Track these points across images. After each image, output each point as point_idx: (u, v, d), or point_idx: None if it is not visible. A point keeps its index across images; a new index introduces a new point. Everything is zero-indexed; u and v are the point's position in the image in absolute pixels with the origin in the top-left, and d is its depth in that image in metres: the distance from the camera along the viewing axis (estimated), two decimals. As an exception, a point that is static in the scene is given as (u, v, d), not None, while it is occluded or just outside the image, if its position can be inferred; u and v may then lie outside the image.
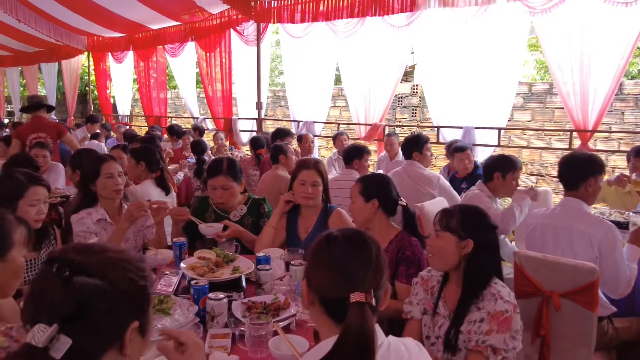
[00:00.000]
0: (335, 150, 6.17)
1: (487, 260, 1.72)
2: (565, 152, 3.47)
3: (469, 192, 3.37)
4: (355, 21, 5.86)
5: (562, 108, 5.34)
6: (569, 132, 5.05)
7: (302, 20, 6.32)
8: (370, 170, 4.99)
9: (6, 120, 12.76)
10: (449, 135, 5.58)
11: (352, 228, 1.30)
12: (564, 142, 5.78)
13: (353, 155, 4.22)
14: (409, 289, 1.96)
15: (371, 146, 5.76)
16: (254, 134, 7.39)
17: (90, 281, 0.87)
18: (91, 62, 10.59)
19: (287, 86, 7.45)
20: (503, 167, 3.19)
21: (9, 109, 14.93)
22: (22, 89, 13.82)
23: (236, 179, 2.74)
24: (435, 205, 3.33)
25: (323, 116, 6.96)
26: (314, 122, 6.88)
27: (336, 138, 6.03)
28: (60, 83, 11.81)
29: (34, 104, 5.32)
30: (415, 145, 4.13)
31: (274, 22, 6.82)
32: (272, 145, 4.83)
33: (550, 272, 2.19)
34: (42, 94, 13.05)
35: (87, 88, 12.10)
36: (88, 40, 9.88)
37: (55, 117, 11.84)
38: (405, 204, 2.35)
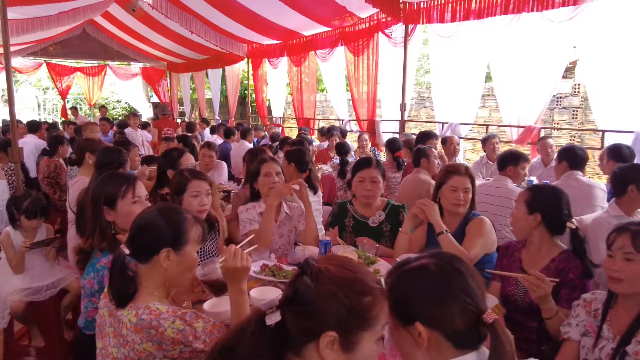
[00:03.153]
0: (483, 153, 5.89)
1: None
2: None
3: (596, 217, 2.86)
4: (509, 17, 5.52)
5: None
6: None
7: (453, 20, 6.15)
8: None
9: (179, 120, 14.50)
10: (614, 141, 4.96)
11: (423, 254, 1.24)
12: None
13: (508, 161, 3.93)
14: (568, 314, 1.84)
15: (524, 149, 5.38)
16: (396, 135, 7.39)
17: (306, 281, 1.06)
18: (250, 68, 11.50)
19: (433, 86, 7.31)
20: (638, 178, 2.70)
21: (180, 110, 16.94)
22: (191, 92, 15.56)
23: (383, 176, 2.82)
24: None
25: (470, 117, 6.70)
26: (460, 123, 6.66)
27: (486, 141, 5.73)
28: (224, 87, 13.05)
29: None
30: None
31: (422, 23, 6.74)
32: (415, 148, 4.79)
33: None
34: (208, 97, 14.59)
35: (246, 92, 13.19)
36: (248, 48, 10.77)
37: (218, 118, 13.16)
38: (575, 226, 2.12)
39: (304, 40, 9.18)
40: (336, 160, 6.19)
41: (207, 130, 10.87)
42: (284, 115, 11.79)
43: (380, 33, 7.45)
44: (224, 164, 5.30)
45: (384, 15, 7.16)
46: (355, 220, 2.88)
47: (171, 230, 1.55)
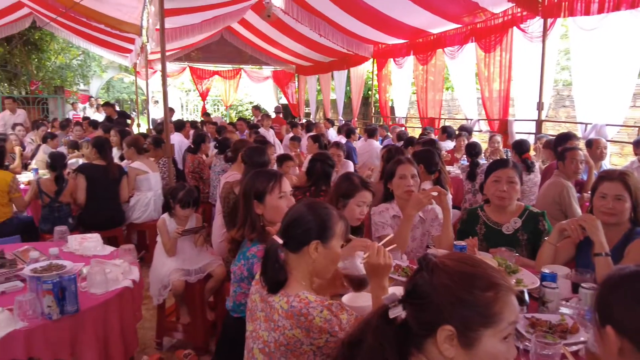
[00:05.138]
0: (633, 158, 5.30)
1: None
2: None
3: None
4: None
5: None
6: None
7: (600, 11, 5.59)
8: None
9: (304, 120, 15.05)
10: None
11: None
12: None
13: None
14: None
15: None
16: (532, 136, 6.93)
17: (423, 275, 1.08)
18: (375, 68, 11.56)
19: (574, 84, 6.72)
20: None
21: (306, 111, 17.59)
22: (317, 94, 16.08)
23: (520, 179, 2.65)
24: None
25: (618, 118, 6.04)
26: (606, 124, 6.05)
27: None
28: (348, 88, 13.28)
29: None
30: None
31: (564, 16, 6.23)
32: (558, 150, 4.45)
33: None
34: (332, 98, 14.95)
35: (369, 92, 13.30)
36: (374, 48, 10.84)
37: (342, 118, 13.44)
38: None
39: (431, 38, 9.00)
40: (464, 161, 6.00)
41: (331, 130, 11.15)
42: (407, 115, 11.67)
43: (514, 28, 7.05)
44: (350, 163, 5.43)
45: (519, 10, 6.77)
46: (487, 228, 2.72)
47: (320, 223, 1.66)
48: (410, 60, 10.10)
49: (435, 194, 2.59)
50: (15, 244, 3.53)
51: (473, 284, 1.04)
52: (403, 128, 9.60)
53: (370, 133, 7.62)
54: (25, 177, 5.57)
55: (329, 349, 1.53)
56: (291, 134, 9.07)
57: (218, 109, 20.62)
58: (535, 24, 6.65)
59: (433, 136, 7.17)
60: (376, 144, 7.35)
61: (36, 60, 15.51)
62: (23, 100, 14.56)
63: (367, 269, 1.66)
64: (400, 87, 10.99)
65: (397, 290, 1.90)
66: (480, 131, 8.42)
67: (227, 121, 14.78)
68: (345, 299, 1.95)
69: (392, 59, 10.70)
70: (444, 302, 1.04)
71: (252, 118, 13.25)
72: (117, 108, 11.02)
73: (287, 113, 18.19)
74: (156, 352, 3.41)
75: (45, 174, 4.94)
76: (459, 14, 7.61)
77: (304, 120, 14.87)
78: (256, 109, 13.84)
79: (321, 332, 1.50)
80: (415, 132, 10.79)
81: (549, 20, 6.45)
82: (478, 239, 2.68)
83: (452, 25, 8.17)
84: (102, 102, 13.85)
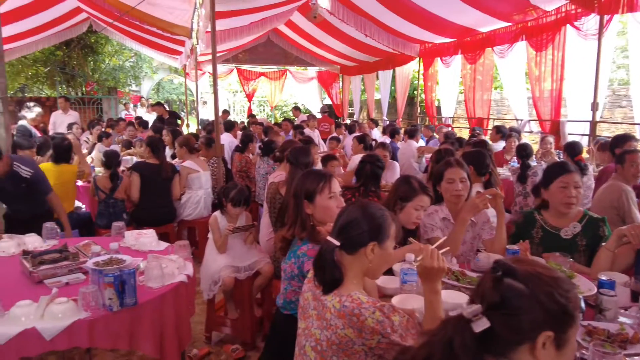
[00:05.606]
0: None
1: None
2: None
3: None
4: None
5: None
6: None
7: (666, 6, 5.34)
8: None
9: (348, 121, 15.05)
10: None
11: None
12: None
13: None
14: None
15: None
16: (585, 138, 6.68)
17: (515, 284, 1.07)
18: (421, 68, 11.43)
19: (633, 83, 6.44)
20: None
21: (350, 111, 17.58)
22: (361, 94, 16.05)
23: (582, 182, 2.59)
24: None
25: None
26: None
27: None
28: (393, 88, 13.19)
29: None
30: None
31: (622, 13, 5.97)
32: (615, 152, 4.28)
33: None
34: (377, 98, 14.88)
35: (415, 92, 13.16)
36: (420, 48, 10.72)
37: (386, 118, 13.35)
38: None
39: (480, 36, 8.82)
40: (514, 163, 5.85)
41: (375, 130, 11.11)
42: (454, 115, 11.48)
43: (567, 26, 6.81)
44: (397, 164, 5.40)
45: (573, 7, 6.54)
46: (544, 232, 2.64)
47: (377, 225, 1.67)
48: (457, 59, 9.94)
49: (489, 196, 2.54)
50: (75, 238, 3.73)
51: (565, 287, 1.08)
52: (450, 128, 9.46)
53: (410, 134, 7.54)
54: (83, 175, 5.86)
55: (381, 349, 1.54)
56: (334, 134, 9.11)
57: (264, 109, 20.93)
58: (590, 21, 6.41)
59: (483, 137, 7.02)
60: (415, 145, 7.25)
61: (92, 62, 16.22)
62: (79, 100, 15.25)
63: (420, 272, 1.66)
64: (447, 86, 10.82)
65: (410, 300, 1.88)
66: (531, 132, 8.18)
67: (272, 122, 14.98)
68: (395, 300, 1.96)
69: (439, 58, 10.55)
70: (546, 309, 1.04)
71: (295, 119, 13.39)
72: (167, 108, 11.35)
73: (331, 113, 18.26)
74: (205, 346, 3.51)
75: (100, 171, 5.18)
76: (509, 12, 7.43)
77: (347, 121, 14.89)
78: (296, 109, 13.97)
79: (373, 333, 1.51)
80: (462, 133, 10.61)
81: (606, 17, 6.20)
82: (534, 243, 2.63)
83: (502, 24, 7.98)
84: (152, 103, 14.31)
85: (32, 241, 3.04)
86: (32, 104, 7.62)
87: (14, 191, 3.68)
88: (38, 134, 7.44)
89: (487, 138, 7.97)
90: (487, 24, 8.19)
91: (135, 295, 2.16)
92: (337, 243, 1.66)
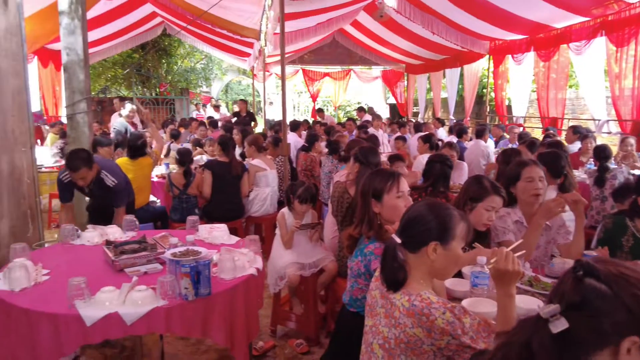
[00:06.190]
0: None
1: None
2: None
3: None
4: None
5: None
6: None
7: None
8: None
9: (413, 120, 14.84)
10: None
11: None
12: None
13: None
14: None
15: None
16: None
17: (597, 285, 1.01)
18: (491, 65, 11.08)
19: None
20: None
21: (414, 110, 17.33)
22: (426, 92, 15.78)
23: None
24: None
25: None
26: None
27: None
28: (460, 86, 12.87)
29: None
30: None
31: None
32: None
33: None
34: (443, 97, 14.58)
35: (484, 90, 12.77)
36: (489, 45, 10.39)
37: (453, 117, 13.06)
38: None
39: (554, 32, 8.41)
40: (591, 165, 5.55)
41: (441, 129, 10.88)
42: (525, 114, 11.02)
43: (654, 19, 6.37)
44: (465, 164, 5.28)
45: (660, -1, 6.11)
46: (635, 240, 2.50)
47: (440, 224, 1.63)
48: (530, 57, 9.52)
49: (569, 202, 2.43)
50: (151, 230, 3.95)
51: None
52: (521, 128, 9.10)
53: (479, 133, 7.29)
54: (158, 171, 6.17)
55: (450, 351, 1.52)
56: (398, 133, 9.03)
57: (327, 109, 21.09)
58: (680, 14, 5.95)
59: (557, 137, 6.70)
60: (483, 145, 7.01)
61: (165, 64, 17.04)
62: (153, 101, 16.06)
63: (494, 274, 1.61)
64: (519, 84, 10.40)
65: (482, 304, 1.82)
66: (610, 133, 7.70)
67: (336, 121, 15.07)
68: (465, 303, 1.92)
69: (510, 56, 10.17)
70: (633, 313, 0.98)
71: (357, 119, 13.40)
72: (237, 109, 11.72)
73: (395, 112, 18.06)
74: (270, 340, 3.60)
75: (174, 168, 5.44)
76: (587, 6, 7.04)
77: (412, 120, 14.69)
78: (360, 110, 13.97)
79: (443, 333, 1.49)
80: (534, 133, 10.17)
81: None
82: (622, 251, 2.50)
83: (579, 19, 7.57)
84: (223, 102, 14.80)
85: (113, 232, 3.26)
86: (127, 102, 8.08)
87: (98, 197, 3.96)
88: (132, 129, 7.89)
89: (561, 138, 7.60)
90: (563, 19, 7.79)
91: (209, 285, 2.26)
92: (398, 241, 1.66)
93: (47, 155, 7.29)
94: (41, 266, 2.58)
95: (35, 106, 10.71)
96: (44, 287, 2.38)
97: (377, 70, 16.79)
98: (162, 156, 7.13)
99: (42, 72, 10.81)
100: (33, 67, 10.13)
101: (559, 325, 1.01)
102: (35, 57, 10.28)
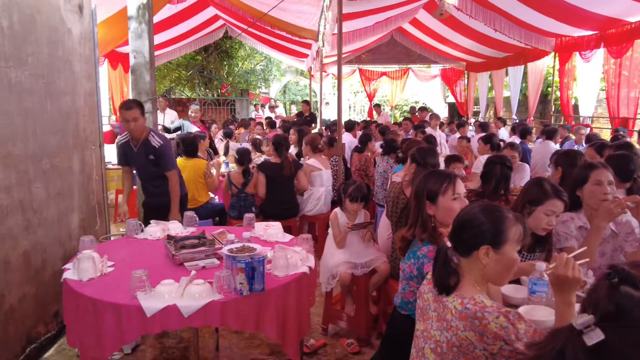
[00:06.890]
0: None
1: None
2: None
3: None
4: None
5: None
6: None
7: None
8: None
9: (472, 120, 14.44)
10: None
11: None
12: None
13: None
14: None
15: None
16: None
17: (634, 292, 0.95)
18: (556, 63, 10.59)
19: None
20: None
21: (475, 109, 16.85)
22: (488, 91, 15.31)
23: None
24: None
25: None
26: None
27: None
28: (524, 84, 12.39)
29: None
30: None
31: None
32: None
33: None
34: (506, 96, 14.09)
35: (548, 89, 12.23)
36: (555, 41, 9.94)
37: (515, 117, 12.59)
38: None
39: (628, 27, 7.92)
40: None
41: (502, 130, 10.52)
42: (593, 114, 10.45)
43: None
44: (526, 166, 5.09)
45: None
46: None
47: (492, 228, 1.59)
48: (599, 53, 9.02)
49: (631, 204, 2.30)
50: (210, 226, 4.08)
51: None
52: (588, 129, 8.64)
53: (549, 134, 6.95)
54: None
55: (503, 357, 1.48)
56: (457, 134, 8.81)
57: (384, 108, 20.96)
58: None
59: (628, 138, 6.32)
60: (553, 147, 6.70)
61: (226, 66, 17.54)
62: (215, 102, 16.58)
63: (552, 280, 1.55)
64: (587, 83, 9.87)
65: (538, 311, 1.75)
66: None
67: (392, 121, 14.93)
68: (522, 310, 1.86)
69: (577, 53, 9.68)
70: None
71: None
72: (295, 110, 11.95)
73: (454, 112, 17.66)
74: (322, 338, 3.63)
75: (234, 167, 5.59)
76: (666, -3, 6.58)
77: (472, 120, 14.30)
78: (378, 106, 13.76)
79: (496, 338, 1.45)
80: (603, 134, 9.64)
81: None
82: None
83: (657, 11, 7.10)
84: (281, 102, 15.07)
85: (175, 227, 3.41)
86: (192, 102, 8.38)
87: (145, 164, 3.99)
88: (197, 128, 8.20)
89: (633, 140, 7.15)
90: (637, 13, 7.32)
91: (263, 281, 2.32)
92: (449, 244, 1.63)
93: (113, 153, 7.67)
94: (107, 258, 2.74)
95: (105, 106, 11.24)
96: (109, 278, 2.52)
97: (436, 69, 16.50)
98: (221, 155, 7.37)
99: (112, 74, 11.40)
100: (103, 69, 10.66)
101: (594, 336, 0.95)
102: (106, 60, 10.86)
